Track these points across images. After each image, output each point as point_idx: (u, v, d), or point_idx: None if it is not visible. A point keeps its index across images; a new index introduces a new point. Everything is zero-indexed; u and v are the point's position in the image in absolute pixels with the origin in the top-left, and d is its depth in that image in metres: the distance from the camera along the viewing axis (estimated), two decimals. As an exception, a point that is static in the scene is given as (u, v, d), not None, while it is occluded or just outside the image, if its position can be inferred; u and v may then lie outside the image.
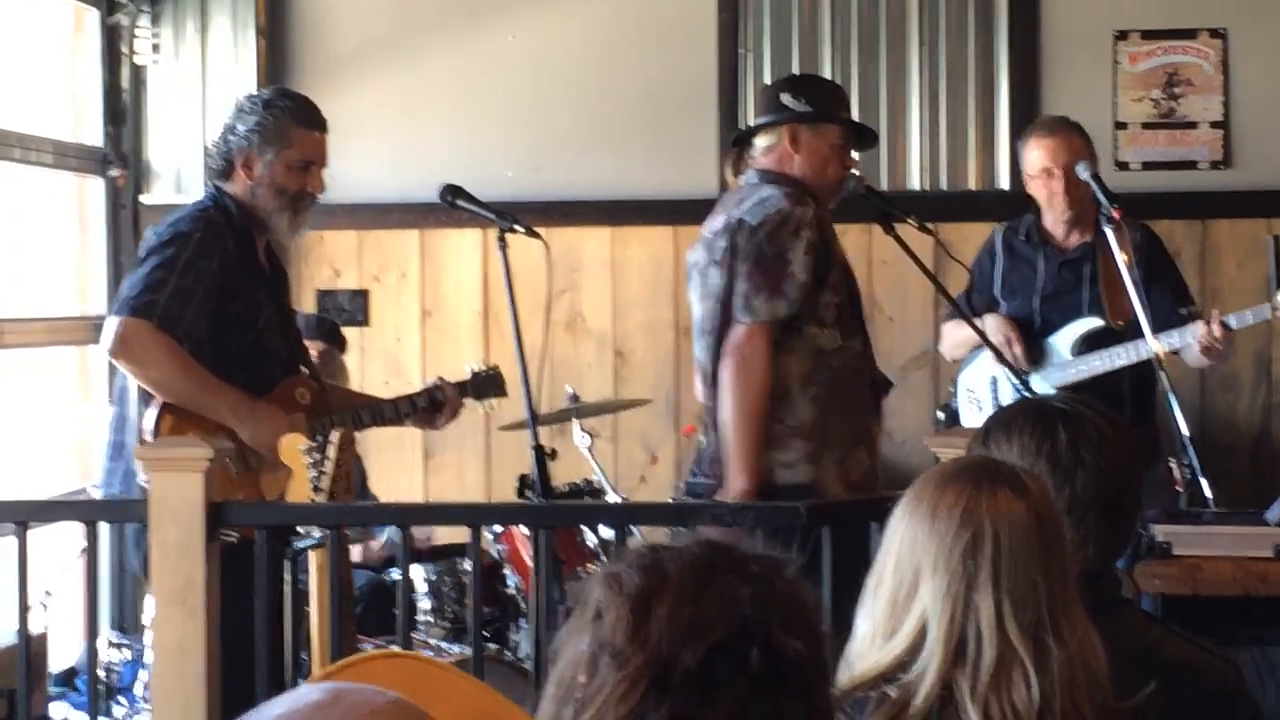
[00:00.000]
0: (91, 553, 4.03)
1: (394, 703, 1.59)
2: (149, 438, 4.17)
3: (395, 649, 4.36)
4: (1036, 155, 5.29)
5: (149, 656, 4.45)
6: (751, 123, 4.88)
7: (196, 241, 4.26)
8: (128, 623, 6.35)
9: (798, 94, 4.59)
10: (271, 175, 4.39)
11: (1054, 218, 5.32)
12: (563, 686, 1.70)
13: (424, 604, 5.50)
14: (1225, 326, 4.99)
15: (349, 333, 6.39)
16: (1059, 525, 2.31)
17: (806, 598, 1.74)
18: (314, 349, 5.78)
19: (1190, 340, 5.02)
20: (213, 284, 4.26)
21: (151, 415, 4.20)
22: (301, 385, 4.46)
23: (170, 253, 4.24)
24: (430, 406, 4.68)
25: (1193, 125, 6.43)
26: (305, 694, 1.58)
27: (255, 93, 4.61)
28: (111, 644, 5.63)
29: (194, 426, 4.19)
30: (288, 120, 4.42)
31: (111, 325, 4.23)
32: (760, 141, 4.62)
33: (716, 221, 4.60)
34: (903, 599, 2.23)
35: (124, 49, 6.65)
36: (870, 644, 2.25)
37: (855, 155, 4.73)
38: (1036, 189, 5.31)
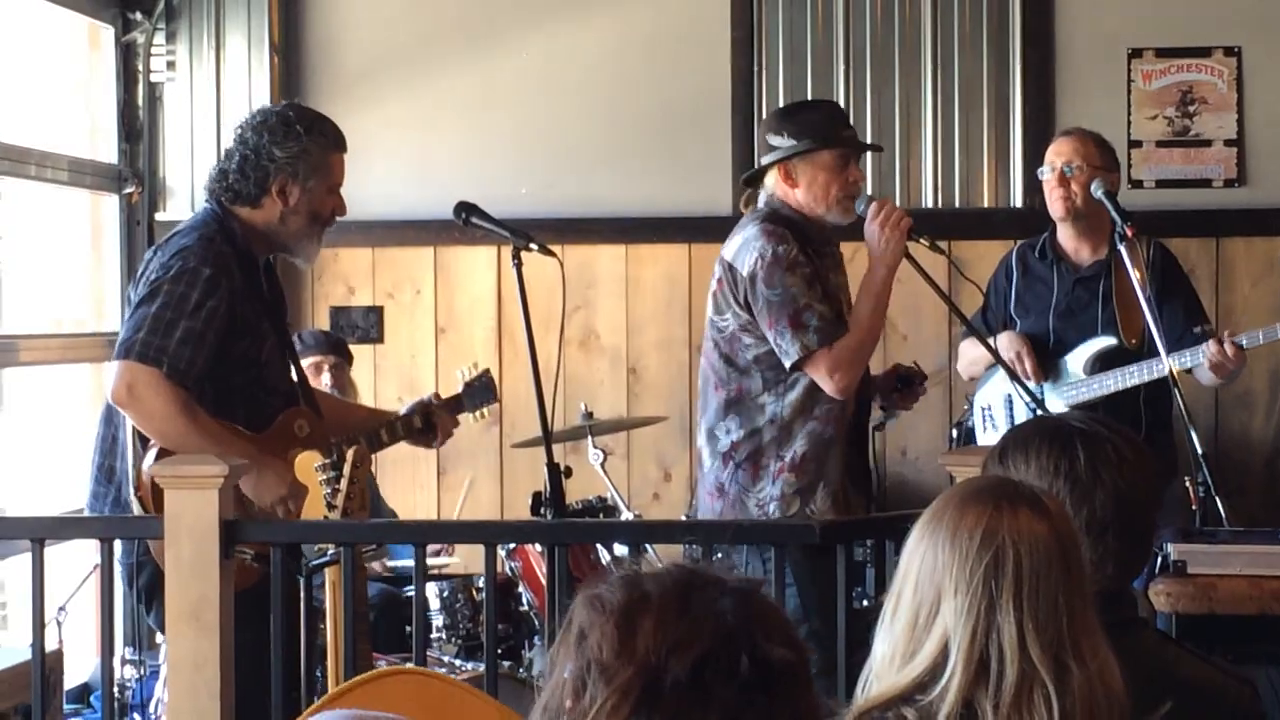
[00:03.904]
0: (106, 569, 4.02)
1: None
2: (146, 479, 4.09)
3: (409, 665, 4.36)
4: (1048, 154, 5.33)
5: (164, 673, 4.45)
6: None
7: (206, 279, 4.13)
8: (141, 639, 6.34)
9: (781, 130, 4.67)
10: (310, 203, 4.32)
11: (1057, 222, 5.32)
12: (549, 713, 1.70)
13: (437, 620, 5.51)
14: (1237, 346, 4.98)
15: (363, 349, 6.39)
16: (1079, 546, 2.31)
17: (782, 612, 1.76)
18: (325, 363, 5.81)
19: (1202, 359, 5.02)
20: (221, 325, 4.15)
21: (150, 458, 4.10)
22: (300, 418, 4.36)
23: (180, 291, 4.12)
24: (425, 428, 4.64)
25: (1207, 143, 6.43)
26: (323, 719, 1.61)
27: (283, 114, 4.37)
28: (125, 660, 5.62)
29: None
30: (328, 147, 4.35)
31: (116, 370, 4.11)
32: (768, 180, 4.72)
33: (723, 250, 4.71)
34: (924, 620, 2.22)
35: (139, 67, 6.67)
36: (889, 665, 2.24)
37: (859, 166, 4.78)
38: (1045, 189, 5.33)
